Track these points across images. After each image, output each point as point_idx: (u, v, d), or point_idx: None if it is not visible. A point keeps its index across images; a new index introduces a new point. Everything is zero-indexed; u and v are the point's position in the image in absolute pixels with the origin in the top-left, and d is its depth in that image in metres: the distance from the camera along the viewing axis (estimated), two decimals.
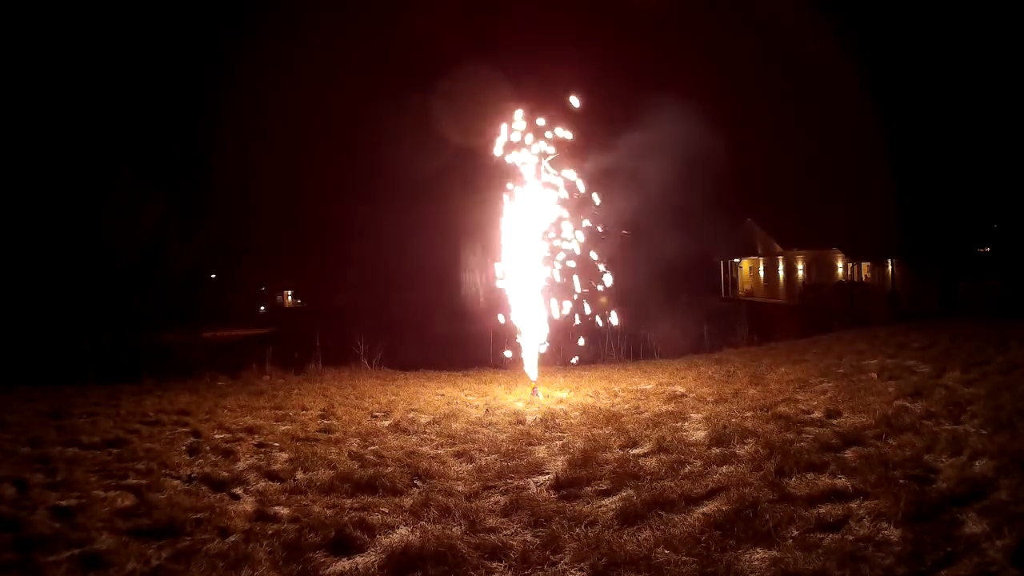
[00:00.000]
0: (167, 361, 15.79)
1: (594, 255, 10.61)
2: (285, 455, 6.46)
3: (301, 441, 7.06)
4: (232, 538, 4.27)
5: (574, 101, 10.04)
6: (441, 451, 6.55)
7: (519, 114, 10.30)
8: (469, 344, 17.25)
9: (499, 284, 10.71)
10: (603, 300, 11.40)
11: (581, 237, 10.60)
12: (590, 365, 14.45)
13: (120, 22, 18.52)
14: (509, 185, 10.56)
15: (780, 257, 40.92)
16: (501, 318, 10.80)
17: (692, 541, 3.89)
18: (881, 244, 32.49)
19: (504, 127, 10.34)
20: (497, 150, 10.44)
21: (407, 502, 4.95)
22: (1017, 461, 4.41)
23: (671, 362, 13.88)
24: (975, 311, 18.78)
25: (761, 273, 43.46)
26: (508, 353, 10.96)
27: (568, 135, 10.22)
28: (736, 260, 46.09)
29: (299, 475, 5.73)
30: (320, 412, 8.83)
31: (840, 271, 38.60)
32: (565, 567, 3.77)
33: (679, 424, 7.08)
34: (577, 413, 8.14)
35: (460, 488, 5.27)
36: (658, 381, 10.60)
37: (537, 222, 10.57)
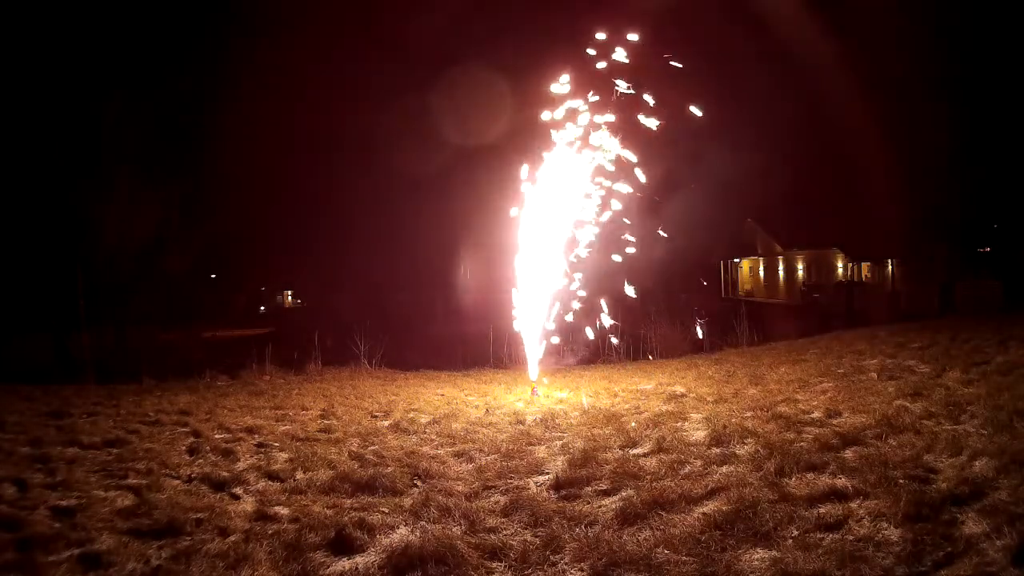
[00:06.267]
0: (167, 361, 15.80)
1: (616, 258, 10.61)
2: (285, 455, 6.46)
3: (301, 441, 7.06)
4: (232, 538, 4.27)
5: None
6: (441, 451, 6.55)
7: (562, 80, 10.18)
8: (469, 344, 17.26)
9: (517, 278, 10.66)
10: (603, 300, 11.40)
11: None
12: (590, 365, 14.46)
13: (121, 22, 18.51)
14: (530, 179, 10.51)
15: (780, 257, 40.92)
16: (515, 311, 10.76)
17: (692, 541, 3.89)
18: (881, 244, 32.49)
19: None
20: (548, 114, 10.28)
21: (407, 502, 4.95)
22: (1017, 461, 4.41)
23: (671, 362, 13.87)
24: (975, 311, 18.76)
25: (761, 273, 43.46)
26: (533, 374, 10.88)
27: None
28: (736, 260, 46.10)
29: (299, 475, 5.74)
30: (320, 412, 8.83)
31: (840, 271, 38.58)
32: (565, 567, 3.77)
33: (679, 424, 7.07)
34: (577, 413, 8.14)
35: (460, 488, 5.27)
36: (658, 381, 10.60)
37: (554, 217, 10.54)
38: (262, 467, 6.02)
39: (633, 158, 10.31)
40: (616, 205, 10.60)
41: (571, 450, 6.15)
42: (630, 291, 10.74)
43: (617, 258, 10.71)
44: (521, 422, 7.78)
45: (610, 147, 10.31)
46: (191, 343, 19.10)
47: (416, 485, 5.38)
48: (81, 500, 5.02)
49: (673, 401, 8.56)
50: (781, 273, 41.13)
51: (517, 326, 10.97)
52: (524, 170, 10.51)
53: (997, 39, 24.12)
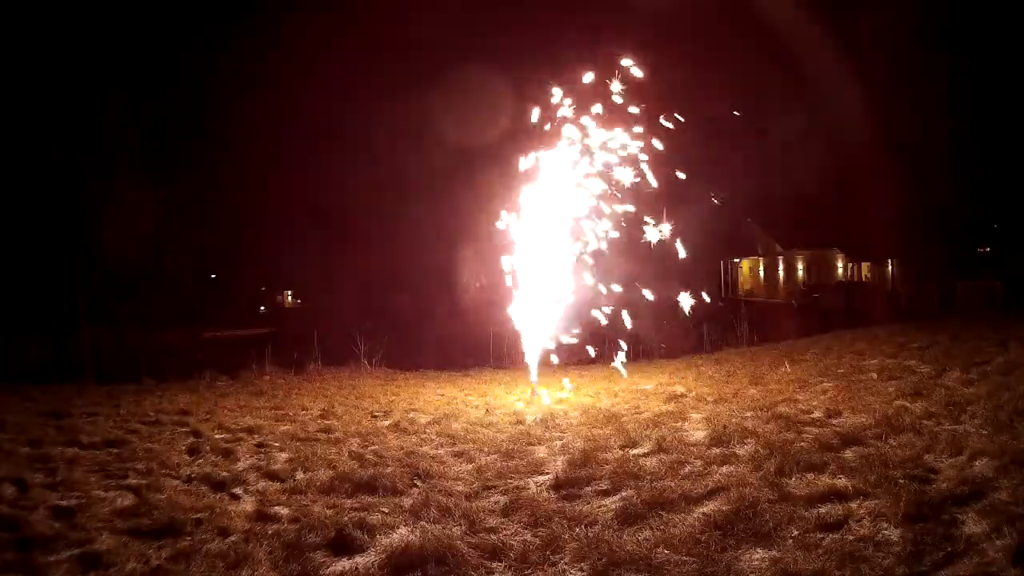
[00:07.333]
0: (167, 361, 15.81)
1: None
2: (285, 455, 6.46)
3: (301, 441, 7.06)
4: (232, 538, 4.27)
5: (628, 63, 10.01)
6: (441, 451, 6.56)
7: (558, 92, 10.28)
8: (469, 344, 17.27)
9: (508, 275, 10.67)
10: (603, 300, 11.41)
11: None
12: (590, 365, 14.46)
13: (121, 22, 18.54)
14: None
15: (780, 257, 40.90)
16: (512, 313, 10.79)
17: (692, 541, 3.89)
18: (881, 244, 32.47)
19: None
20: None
21: (407, 502, 4.95)
22: (1017, 461, 4.41)
23: (671, 362, 13.88)
24: (975, 311, 18.75)
25: (761, 273, 43.43)
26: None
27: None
28: (736, 260, 46.06)
29: (299, 475, 5.73)
30: (320, 412, 8.83)
31: (840, 271, 38.57)
32: (565, 567, 3.77)
33: (679, 424, 7.07)
34: (577, 413, 8.14)
35: (460, 488, 5.27)
36: (658, 381, 10.60)
37: (559, 212, 10.54)
38: (262, 467, 6.02)
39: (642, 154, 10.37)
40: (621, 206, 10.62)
41: (571, 450, 6.15)
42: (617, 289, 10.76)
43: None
44: (521, 422, 7.78)
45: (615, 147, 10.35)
46: (191, 343, 19.14)
47: (416, 485, 5.38)
48: (81, 500, 5.02)
49: (673, 401, 8.56)
50: (781, 273, 41.10)
51: (517, 326, 10.98)
52: (522, 162, 10.51)
53: (997, 38, 24.11)
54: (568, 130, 10.40)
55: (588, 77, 10.21)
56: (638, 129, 10.29)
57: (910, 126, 24.82)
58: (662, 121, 10.12)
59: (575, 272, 10.76)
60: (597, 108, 10.24)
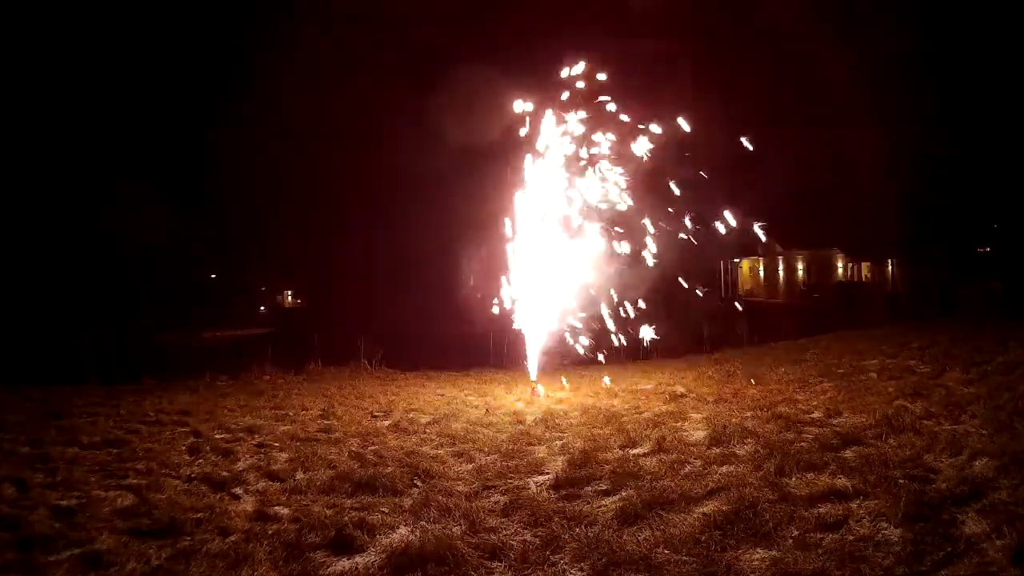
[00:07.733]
0: (167, 361, 15.81)
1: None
2: (285, 455, 6.46)
3: (301, 441, 7.06)
4: (232, 538, 4.27)
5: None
6: (441, 451, 6.55)
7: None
8: (469, 344, 17.26)
9: (507, 282, 10.67)
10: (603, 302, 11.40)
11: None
12: (590, 365, 14.46)
13: (123, 27, 18.55)
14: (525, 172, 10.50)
15: (780, 257, 40.88)
16: (496, 308, 10.80)
17: (692, 541, 3.89)
18: (881, 244, 32.51)
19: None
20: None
21: (407, 502, 4.95)
22: (1017, 461, 4.41)
23: (671, 362, 13.88)
24: (976, 311, 18.72)
25: (761, 273, 43.40)
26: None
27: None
28: (736, 260, 46.03)
29: (299, 475, 5.73)
30: (320, 412, 8.83)
31: (840, 271, 38.58)
32: (565, 567, 3.77)
33: (679, 424, 7.07)
34: (577, 413, 8.14)
35: (460, 488, 5.27)
36: (658, 381, 10.60)
37: (555, 210, 10.54)
38: (262, 467, 6.02)
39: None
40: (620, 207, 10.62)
41: (571, 450, 6.15)
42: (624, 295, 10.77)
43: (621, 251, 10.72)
44: (521, 422, 7.78)
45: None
46: (191, 343, 19.14)
47: (416, 485, 5.38)
48: (81, 500, 5.02)
49: (673, 401, 8.56)
50: (781, 273, 41.09)
51: (517, 326, 10.98)
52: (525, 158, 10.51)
53: (998, 40, 24.16)
54: (572, 128, 10.41)
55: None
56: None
57: (911, 126, 24.86)
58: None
59: (576, 273, 10.76)
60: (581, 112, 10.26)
